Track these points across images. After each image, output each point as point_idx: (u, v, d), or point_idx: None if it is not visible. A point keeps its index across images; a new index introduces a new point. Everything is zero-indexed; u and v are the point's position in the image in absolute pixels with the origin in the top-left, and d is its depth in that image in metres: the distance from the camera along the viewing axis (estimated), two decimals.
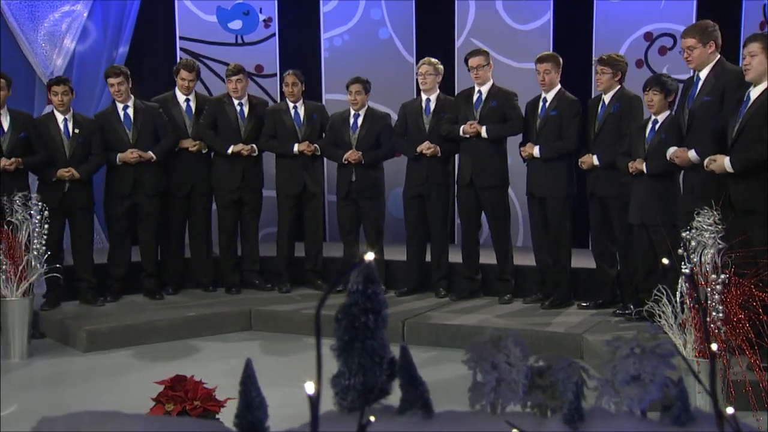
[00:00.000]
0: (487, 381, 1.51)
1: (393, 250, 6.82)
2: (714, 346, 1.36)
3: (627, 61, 5.83)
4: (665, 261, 1.90)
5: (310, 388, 1.13)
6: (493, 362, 1.51)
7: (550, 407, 1.56)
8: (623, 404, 1.46)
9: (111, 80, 6.28)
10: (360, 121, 6.54)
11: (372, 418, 1.21)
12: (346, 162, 6.47)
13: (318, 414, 1.06)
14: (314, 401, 1.07)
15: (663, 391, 1.44)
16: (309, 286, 6.80)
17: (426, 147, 6.26)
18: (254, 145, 6.62)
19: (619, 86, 5.68)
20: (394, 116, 6.96)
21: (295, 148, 6.56)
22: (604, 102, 5.71)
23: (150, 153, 6.30)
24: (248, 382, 1.61)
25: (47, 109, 7.23)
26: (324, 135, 6.73)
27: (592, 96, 6.80)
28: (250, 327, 6.14)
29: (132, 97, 6.37)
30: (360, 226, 6.68)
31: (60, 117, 6.07)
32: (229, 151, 6.54)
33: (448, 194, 6.51)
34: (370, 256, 1.43)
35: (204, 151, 6.62)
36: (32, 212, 5.38)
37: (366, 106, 6.58)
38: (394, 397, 1.62)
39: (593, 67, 5.77)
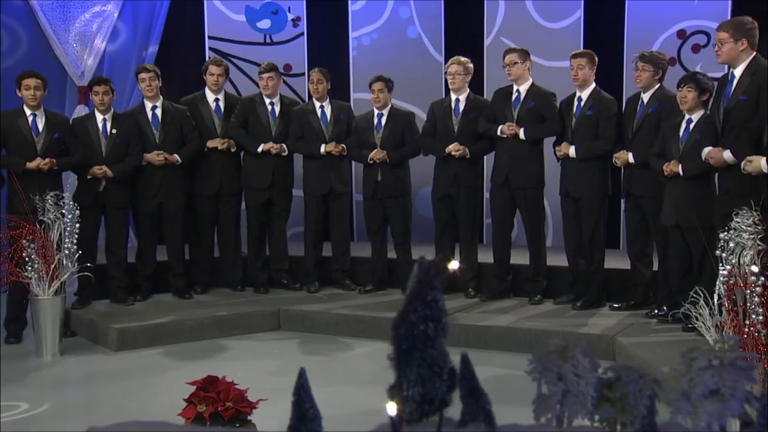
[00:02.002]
0: (553, 393, 1.44)
1: (421, 250, 6.76)
2: None
3: (668, 59, 5.72)
4: (755, 269, 1.82)
5: (391, 409, 1.08)
6: (559, 373, 1.44)
7: (621, 421, 1.48)
8: (700, 419, 1.38)
9: (142, 75, 6.30)
10: (384, 121, 6.49)
11: None
12: (371, 162, 6.44)
13: None
14: (396, 425, 1.02)
15: (743, 406, 1.37)
16: (337, 285, 6.78)
17: (454, 148, 6.20)
18: (284, 144, 6.61)
19: (659, 85, 5.59)
20: (422, 115, 6.92)
21: (322, 148, 6.53)
22: (642, 101, 5.62)
23: (176, 156, 6.31)
24: (302, 392, 1.55)
25: (79, 108, 7.29)
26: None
27: (624, 95, 6.71)
28: (278, 327, 6.12)
29: (161, 97, 6.38)
30: (387, 225, 6.65)
31: (99, 117, 6.11)
32: (259, 149, 6.53)
33: (477, 195, 6.45)
34: (455, 265, 1.37)
35: (233, 150, 6.60)
36: (64, 211, 5.41)
37: (389, 105, 6.53)
38: (454, 409, 1.56)
39: (633, 64, 5.65)
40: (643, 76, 5.54)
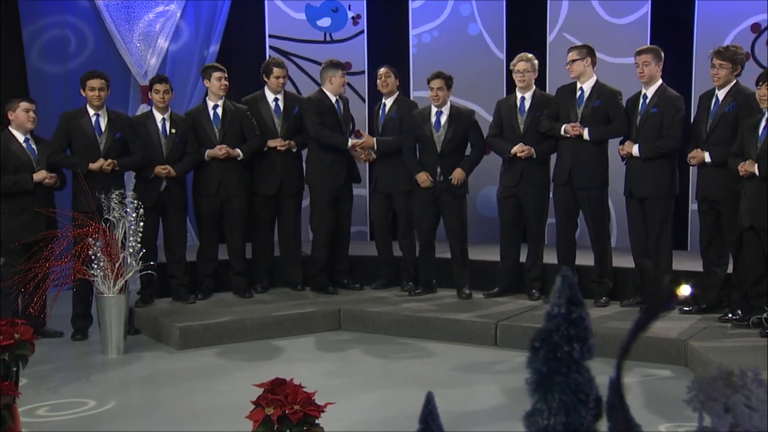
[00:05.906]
0: (719, 426, 1.29)
1: (481, 250, 6.66)
2: None
3: (745, 53, 5.51)
4: None
5: None
6: (727, 404, 1.29)
7: None
8: None
9: (217, 74, 6.32)
10: (443, 119, 6.29)
11: None
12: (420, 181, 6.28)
13: None
14: None
15: None
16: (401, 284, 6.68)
17: (519, 149, 6.06)
18: (376, 138, 6.56)
19: (735, 81, 5.37)
20: (484, 114, 6.80)
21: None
22: (717, 98, 5.41)
23: (238, 150, 6.30)
24: (429, 419, 1.44)
25: (142, 108, 7.36)
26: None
27: (693, 92, 6.49)
28: (339, 327, 6.08)
29: (223, 97, 6.39)
30: (436, 224, 6.50)
31: (158, 116, 6.14)
32: (350, 144, 6.52)
33: (544, 195, 6.28)
34: (686, 290, 1.25)
35: (294, 150, 6.58)
36: (128, 210, 5.45)
37: (448, 104, 6.35)
38: None
39: (709, 61, 5.43)
40: (721, 73, 5.31)
